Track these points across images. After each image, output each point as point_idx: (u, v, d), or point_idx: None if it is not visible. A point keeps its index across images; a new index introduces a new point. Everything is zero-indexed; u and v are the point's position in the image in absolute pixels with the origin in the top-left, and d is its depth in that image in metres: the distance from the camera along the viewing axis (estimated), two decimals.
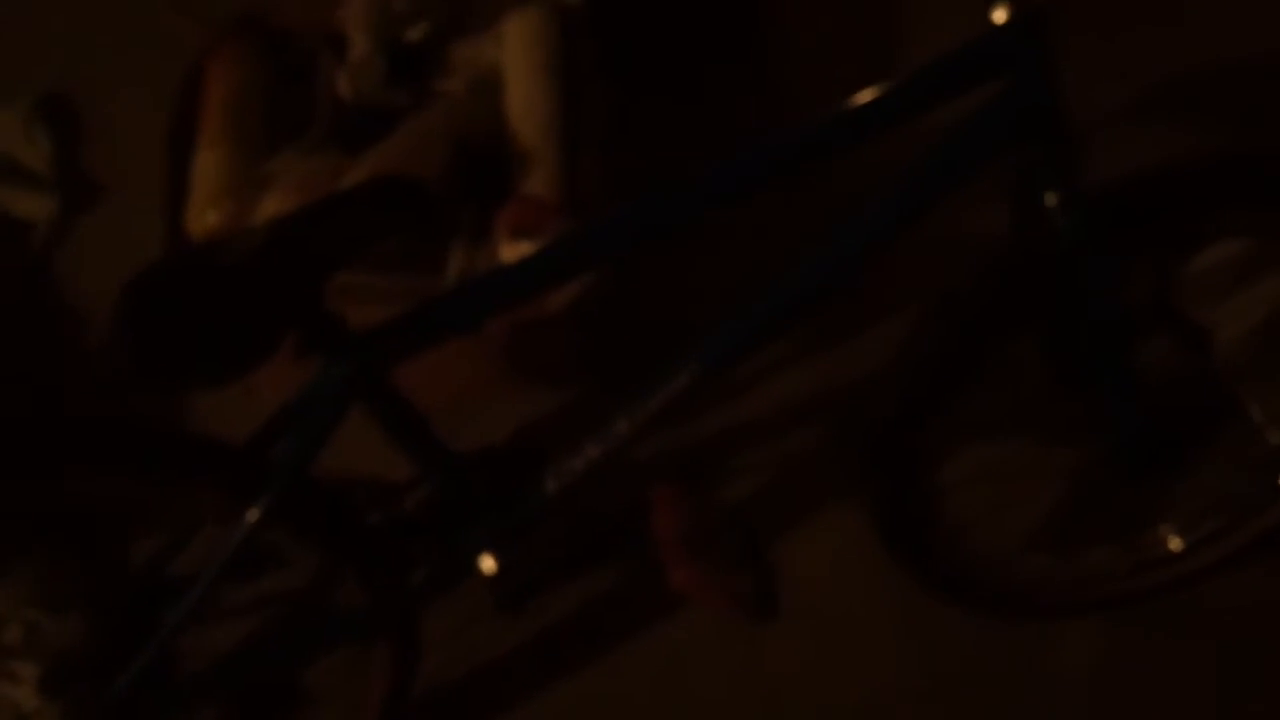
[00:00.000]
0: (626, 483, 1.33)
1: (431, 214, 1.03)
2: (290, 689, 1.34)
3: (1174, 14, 1.86)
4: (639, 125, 1.67)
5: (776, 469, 1.57)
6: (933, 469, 1.39)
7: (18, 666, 1.17)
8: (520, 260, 1.13)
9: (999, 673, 1.52)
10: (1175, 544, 1.50)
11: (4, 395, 1.67)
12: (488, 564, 1.20)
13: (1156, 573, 1.53)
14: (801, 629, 1.52)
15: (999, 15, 1.03)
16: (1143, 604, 1.53)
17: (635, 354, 1.26)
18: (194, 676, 1.24)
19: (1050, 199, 1.11)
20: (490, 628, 1.41)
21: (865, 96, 1.09)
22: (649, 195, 1.10)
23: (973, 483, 1.46)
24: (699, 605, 1.43)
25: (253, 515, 1.10)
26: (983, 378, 1.31)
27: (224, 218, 1.47)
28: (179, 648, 1.22)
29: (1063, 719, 1.52)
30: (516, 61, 1.57)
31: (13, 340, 1.78)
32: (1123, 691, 1.52)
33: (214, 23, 1.60)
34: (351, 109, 1.62)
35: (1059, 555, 1.54)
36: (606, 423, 1.18)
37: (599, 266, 1.33)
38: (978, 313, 1.25)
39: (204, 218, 1.50)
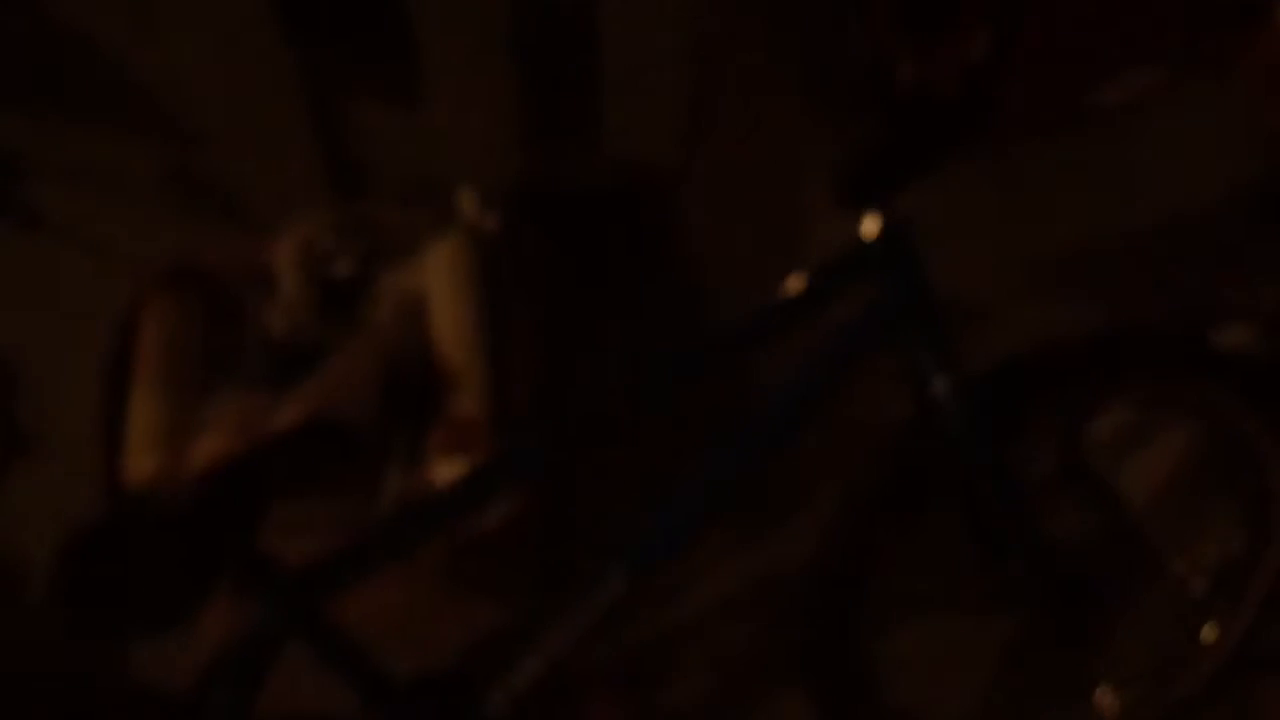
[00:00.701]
0: (568, 692, 1.36)
1: (357, 453, 1.10)
2: None
3: (1045, 210, 2.04)
4: (562, 339, 1.76)
5: (717, 668, 1.58)
6: (872, 654, 1.44)
7: None
8: (448, 483, 1.19)
9: None
10: (1112, 702, 1.53)
11: None
12: None
13: None
14: None
15: (870, 228, 1.15)
16: None
17: (576, 562, 1.31)
18: None
19: (938, 385, 1.21)
20: None
21: (766, 303, 1.20)
22: (569, 412, 1.19)
23: (914, 665, 1.52)
24: None
25: None
26: (905, 558, 1.39)
27: (161, 461, 1.50)
28: None
29: None
30: (439, 287, 1.64)
31: None
32: None
33: (144, 273, 1.69)
34: (283, 345, 1.70)
35: None
36: (545, 637, 1.22)
37: (528, 481, 1.40)
38: (882, 496, 1.33)
39: (141, 462, 1.52)
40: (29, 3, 1.60)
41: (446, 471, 1.47)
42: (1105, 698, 1.54)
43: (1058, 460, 1.47)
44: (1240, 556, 1.50)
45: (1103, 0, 2.07)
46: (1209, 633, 1.52)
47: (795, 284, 1.17)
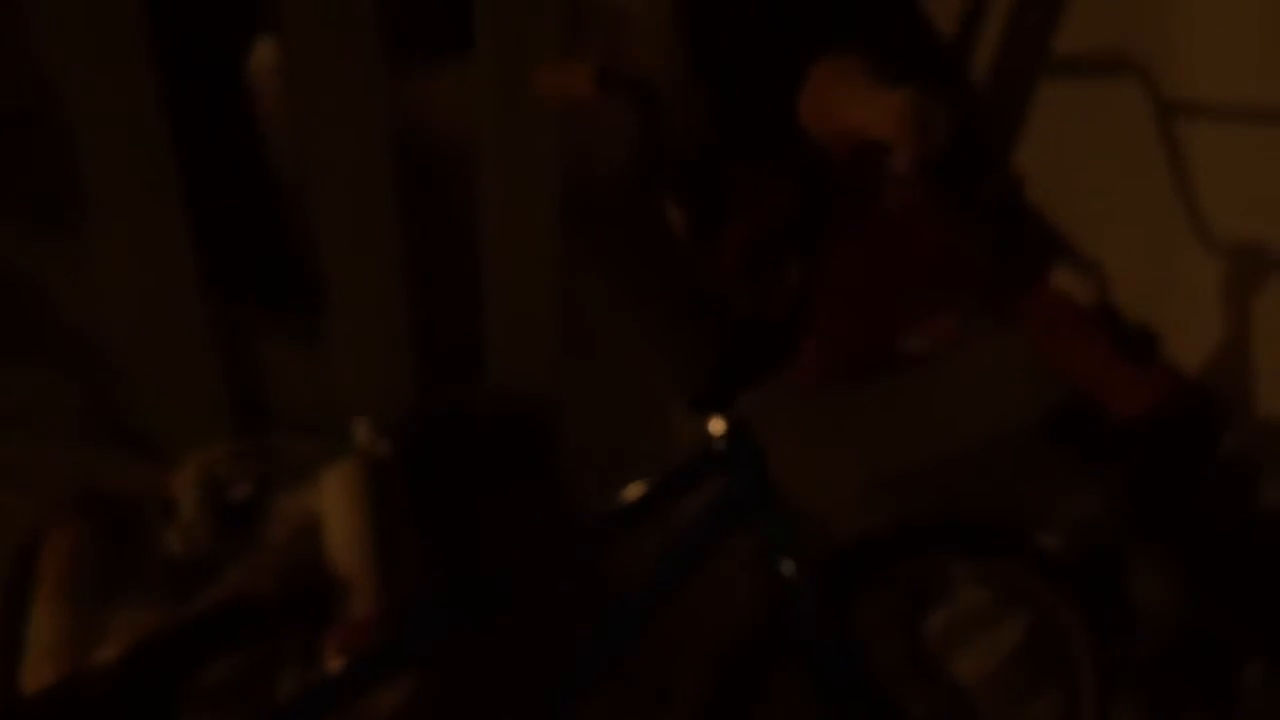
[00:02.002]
0: None
1: (268, 627, 1.17)
2: None
3: (873, 436, 2.28)
4: (445, 543, 1.86)
5: None
6: None
7: None
8: (345, 664, 1.27)
9: None
10: None
11: None
12: None
13: None
14: None
15: (716, 427, 1.33)
16: None
17: None
18: None
19: (784, 567, 1.36)
20: None
21: (623, 499, 1.35)
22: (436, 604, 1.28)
23: None
24: None
25: None
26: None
27: (60, 669, 1.52)
28: None
29: None
30: (334, 506, 1.74)
31: None
32: None
33: (49, 496, 1.74)
34: (181, 564, 1.75)
35: None
36: None
37: (409, 667, 1.47)
38: (739, 666, 1.45)
39: (40, 670, 1.53)
40: None
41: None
42: None
43: (900, 646, 1.62)
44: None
45: (903, 264, 2.41)
46: None
47: (655, 480, 1.34)
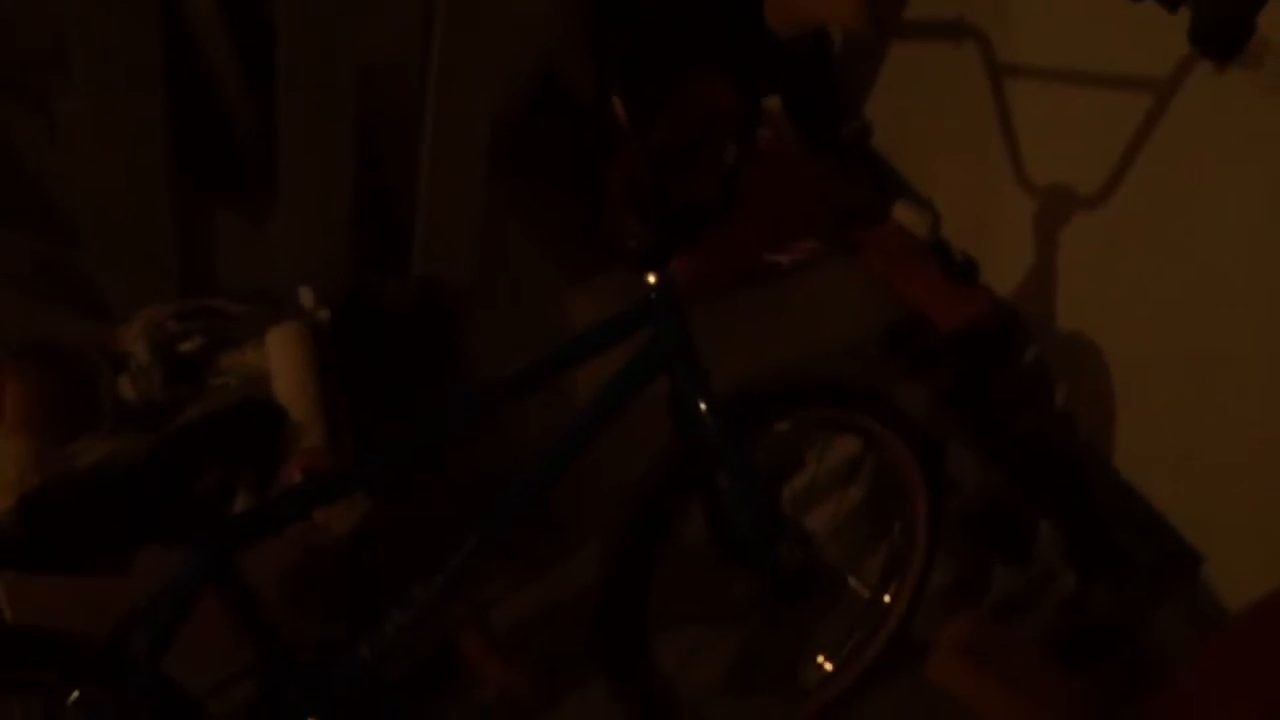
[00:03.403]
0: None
1: (275, 426, 1.28)
2: None
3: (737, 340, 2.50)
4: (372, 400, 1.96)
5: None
6: (649, 638, 1.70)
7: None
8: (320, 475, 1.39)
9: None
10: (829, 665, 1.89)
11: None
12: None
13: (820, 694, 1.89)
14: None
15: (651, 279, 1.50)
16: None
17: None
18: None
19: (700, 406, 1.55)
20: None
21: (558, 346, 1.50)
22: (395, 437, 1.39)
23: (677, 641, 1.80)
24: (506, 692, 1.63)
25: (113, 703, 1.21)
26: (667, 552, 1.67)
27: None
28: None
29: None
30: (281, 360, 1.83)
31: None
32: None
33: (7, 345, 1.77)
34: (135, 409, 1.81)
35: (745, 694, 1.88)
36: (406, 594, 1.41)
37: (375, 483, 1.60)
38: (653, 497, 1.62)
39: (8, 496, 1.59)
40: None
41: None
42: (820, 663, 1.89)
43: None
44: (896, 562, 1.92)
45: (775, 194, 2.63)
46: (881, 618, 1.92)
47: (597, 325, 1.50)
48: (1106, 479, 2.38)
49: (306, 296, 1.94)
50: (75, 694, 1.19)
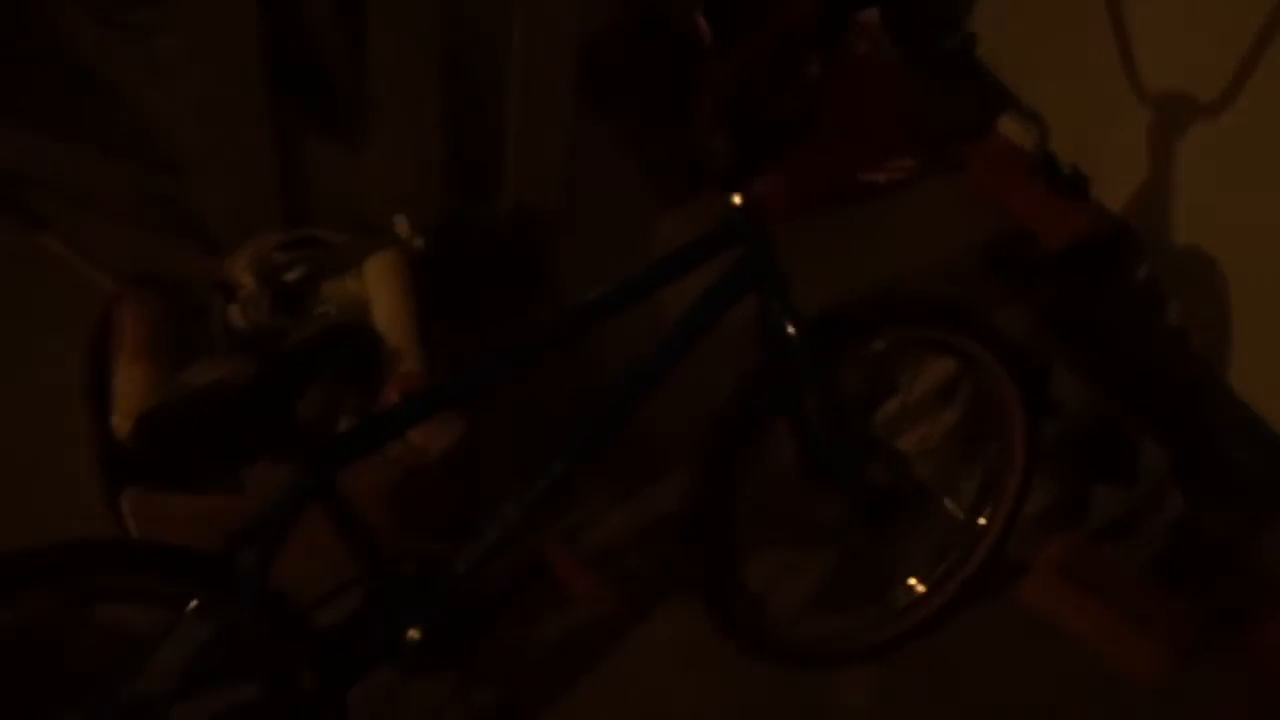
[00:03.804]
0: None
1: (370, 350, 1.33)
2: None
3: (839, 257, 2.47)
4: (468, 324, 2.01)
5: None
6: (738, 557, 1.73)
7: None
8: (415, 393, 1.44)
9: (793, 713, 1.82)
10: (921, 587, 1.88)
11: None
12: (414, 635, 1.43)
13: (910, 616, 1.89)
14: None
15: (736, 199, 1.50)
16: (902, 647, 1.87)
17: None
18: None
19: (788, 326, 1.55)
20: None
21: (645, 268, 1.50)
22: (486, 358, 1.41)
23: (766, 562, 1.83)
24: (594, 606, 1.69)
25: (225, 611, 1.30)
26: (756, 474, 1.69)
27: None
28: None
29: None
30: (380, 289, 1.88)
31: None
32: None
33: (119, 274, 1.86)
34: (244, 335, 1.90)
35: (835, 612, 1.90)
36: (499, 510, 1.47)
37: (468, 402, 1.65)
38: (740, 418, 1.62)
39: (129, 423, 1.67)
40: (55, 35, 1.78)
41: None
42: (912, 584, 1.88)
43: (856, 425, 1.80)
44: (992, 484, 1.90)
45: (870, 109, 2.57)
46: (975, 540, 1.91)
47: (683, 247, 1.50)
48: (1219, 397, 2.30)
49: (402, 225, 1.99)
50: (193, 603, 1.28)
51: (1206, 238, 2.35)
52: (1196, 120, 2.33)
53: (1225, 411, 2.27)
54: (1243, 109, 2.21)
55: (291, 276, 1.92)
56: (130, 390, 1.72)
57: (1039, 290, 2.44)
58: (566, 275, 2.25)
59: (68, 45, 1.85)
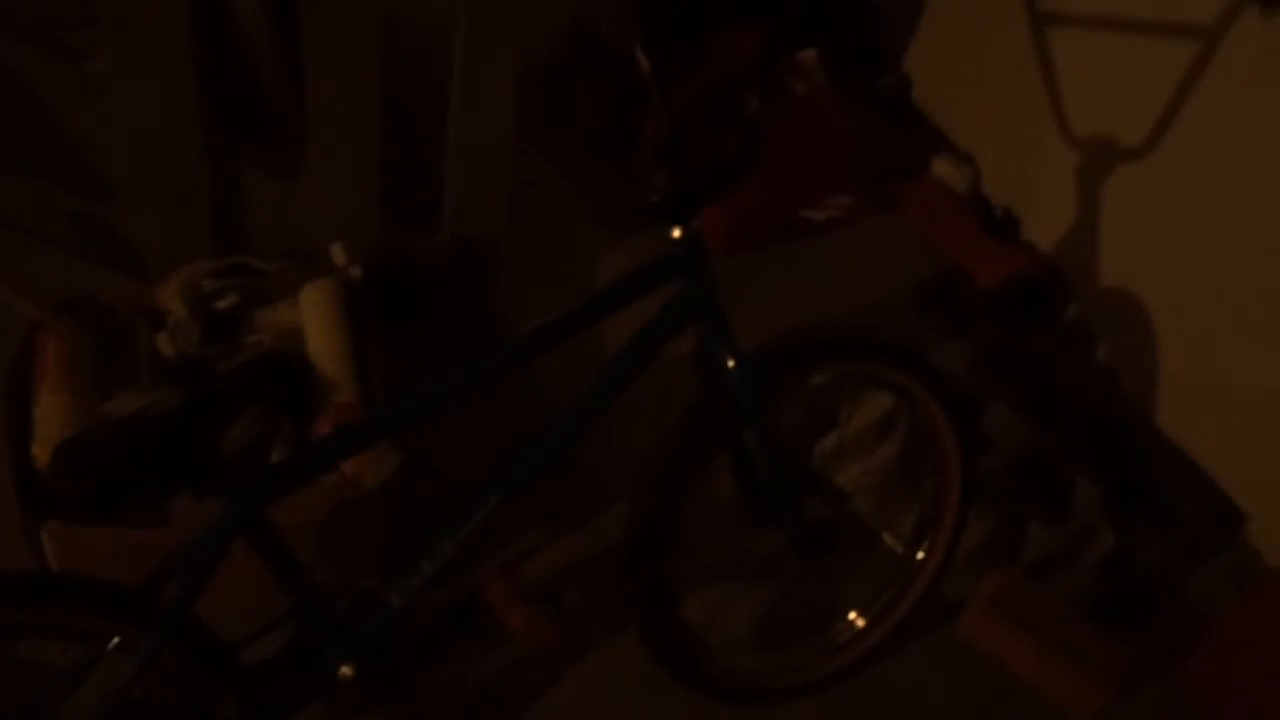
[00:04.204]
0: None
1: (301, 380, 1.30)
2: None
3: (776, 293, 2.50)
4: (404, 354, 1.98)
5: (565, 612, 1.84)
6: (677, 591, 1.72)
7: None
8: (346, 426, 1.42)
9: None
10: (860, 621, 1.88)
11: None
12: (346, 671, 1.39)
13: (850, 650, 1.88)
14: None
15: (676, 232, 1.50)
16: (842, 682, 1.86)
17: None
18: None
19: (727, 360, 1.55)
20: None
21: (585, 299, 1.50)
22: (423, 388, 1.39)
23: (705, 596, 1.82)
24: (530, 641, 1.67)
25: (147, 647, 1.26)
26: (694, 507, 1.68)
27: None
28: None
29: None
30: (315, 317, 1.85)
31: None
32: None
33: (43, 301, 1.81)
34: (172, 365, 1.85)
35: (775, 647, 1.89)
36: (435, 544, 1.44)
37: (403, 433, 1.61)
38: (679, 451, 1.61)
39: (48, 453, 1.62)
40: None
41: None
42: (852, 619, 1.89)
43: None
44: (929, 519, 1.92)
45: (809, 147, 2.61)
46: (913, 575, 1.92)
47: (622, 279, 1.50)
48: (1148, 436, 2.36)
49: (339, 254, 1.96)
50: (115, 639, 1.24)
51: (1133, 279, 2.42)
52: (1123, 163, 2.40)
53: (1155, 449, 2.33)
54: (1167, 152, 2.29)
55: (223, 304, 1.88)
56: (51, 420, 1.67)
57: (973, 329, 2.49)
58: (506, 306, 2.24)
59: None
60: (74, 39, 1.74)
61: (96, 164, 1.92)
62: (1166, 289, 2.34)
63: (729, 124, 1.47)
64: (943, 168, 2.77)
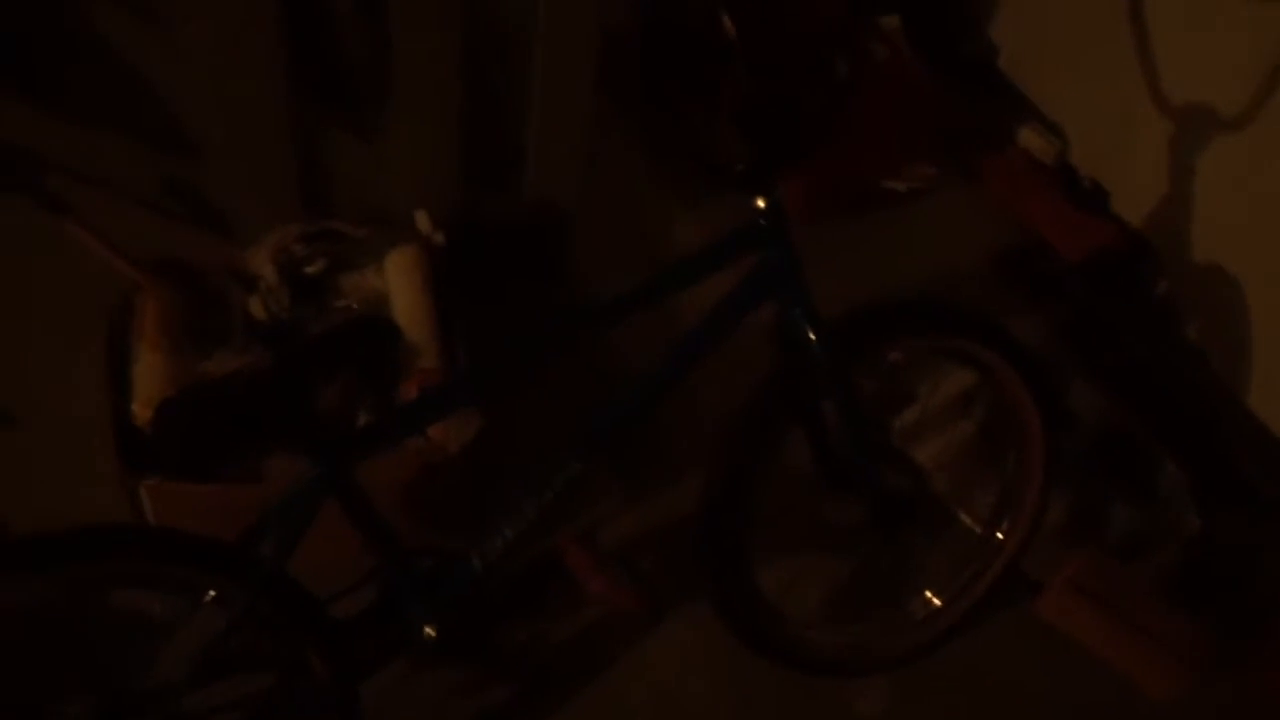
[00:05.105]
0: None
1: (390, 345, 1.33)
2: None
3: (856, 262, 2.47)
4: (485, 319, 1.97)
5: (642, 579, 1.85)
6: (752, 561, 1.71)
7: None
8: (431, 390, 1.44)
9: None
10: (937, 600, 1.87)
11: None
12: (429, 630, 1.42)
13: (926, 628, 1.87)
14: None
15: (760, 202, 1.49)
16: (917, 660, 1.85)
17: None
18: None
19: (808, 331, 1.54)
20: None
21: (665, 268, 1.49)
22: (504, 354, 1.40)
23: (781, 568, 1.82)
24: (609, 606, 1.70)
25: (242, 601, 1.30)
26: (772, 478, 1.68)
27: None
28: None
29: None
30: (400, 283, 1.88)
31: None
32: None
33: (140, 262, 1.86)
34: (263, 327, 1.89)
35: (850, 621, 1.89)
36: (516, 508, 1.46)
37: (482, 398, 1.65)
38: (757, 422, 1.58)
39: (151, 407, 1.68)
40: (81, 20, 1.77)
41: None
42: (929, 597, 1.87)
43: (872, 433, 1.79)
44: (1009, 498, 1.89)
45: (890, 115, 2.56)
46: (992, 554, 1.90)
47: (705, 249, 1.50)
48: (1238, 416, 2.29)
49: (423, 220, 1.98)
50: (210, 593, 1.28)
51: (1226, 256, 2.34)
52: (1218, 136, 2.32)
53: (1244, 431, 2.26)
54: (1264, 126, 2.20)
55: (312, 269, 1.92)
56: (150, 378, 1.72)
57: (1056, 302, 2.44)
58: (584, 271, 2.24)
59: (93, 31, 1.84)
60: (166, 4, 1.76)
61: (188, 129, 1.96)
62: (1261, 267, 2.26)
63: (812, 88, 1.44)
64: (1029, 138, 2.71)
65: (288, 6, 1.79)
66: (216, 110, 1.85)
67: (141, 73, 1.88)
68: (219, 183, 1.99)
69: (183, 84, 1.88)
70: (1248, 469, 2.17)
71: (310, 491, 1.29)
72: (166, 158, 1.98)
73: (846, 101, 1.42)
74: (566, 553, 1.60)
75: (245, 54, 1.79)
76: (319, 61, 1.90)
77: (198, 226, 2.01)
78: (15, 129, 1.92)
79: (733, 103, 1.46)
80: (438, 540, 1.44)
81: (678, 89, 2.60)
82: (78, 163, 1.88)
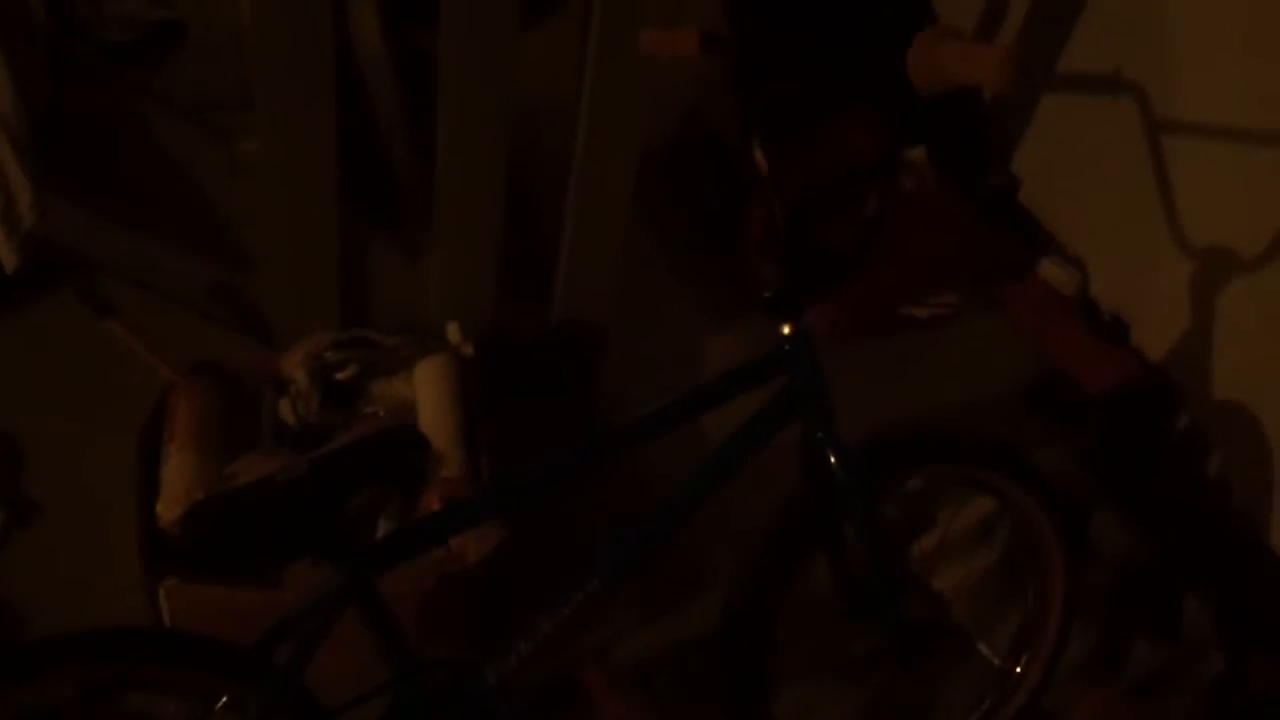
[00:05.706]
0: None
1: (421, 454, 1.34)
2: None
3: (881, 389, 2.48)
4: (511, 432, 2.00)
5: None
6: (769, 686, 1.68)
7: None
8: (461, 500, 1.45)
9: None
10: None
11: None
12: None
13: None
14: None
15: (786, 329, 1.51)
16: None
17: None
18: None
19: (831, 456, 1.54)
20: None
21: (692, 390, 1.51)
22: (528, 469, 1.41)
23: (798, 694, 1.77)
24: None
25: (255, 709, 1.28)
26: (791, 602, 1.66)
27: None
28: None
29: None
30: (428, 392, 1.92)
31: None
32: None
33: (177, 363, 1.90)
34: (293, 431, 1.92)
35: None
36: (532, 625, 1.45)
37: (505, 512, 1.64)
38: (778, 544, 1.58)
39: (175, 508, 1.69)
40: (144, 129, 1.85)
41: None
42: None
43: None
44: (1029, 630, 1.86)
45: (916, 245, 2.60)
46: (1011, 689, 1.85)
47: (729, 374, 1.51)
48: (1261, 555, 2.25)
49: (454, 331, 2.02)
50: (224, 698, 1.27)
51: (1248, 392, 2.33)
52: (1239, 273, 2.34)
53: (1267, 570, 2.22)
54: None
55: (343, 375, 1.95)
56: (177, 479, 1.74)
57: (1080, 434, 2.43)
58: (616, 388, 2.26)
59: (155, 140, 1.93)
60: (228, 120, 1.85)
61: (236, 236, 2.03)
62: None
63: (842, 221, 1.48)
64: (1050, 270, 2.73)
65: (341, 128, 1.86)
66: (267, 221, 1.91)
67: (198, 183, 1.96)
68: (262, 290, 2.04)
69: (237, 195, 1.95)
70: (1273, 610, 2.13)
71: (333, 600, 1.28)
72: (214, 265, 2.04)
73: (875, 238, 1.45)
74: (583, 673, 1.57)
75: (299, 170, 1.85)
76: (368, 182, 1.96)
77: (237, 331, 2.06)
78: (74, 233, 1.99)
79: (762, 232, 1.49)
80: (451, 652, 1.42)
81: (713, 213, 2.66)
82: (130, 267, 1.94)
